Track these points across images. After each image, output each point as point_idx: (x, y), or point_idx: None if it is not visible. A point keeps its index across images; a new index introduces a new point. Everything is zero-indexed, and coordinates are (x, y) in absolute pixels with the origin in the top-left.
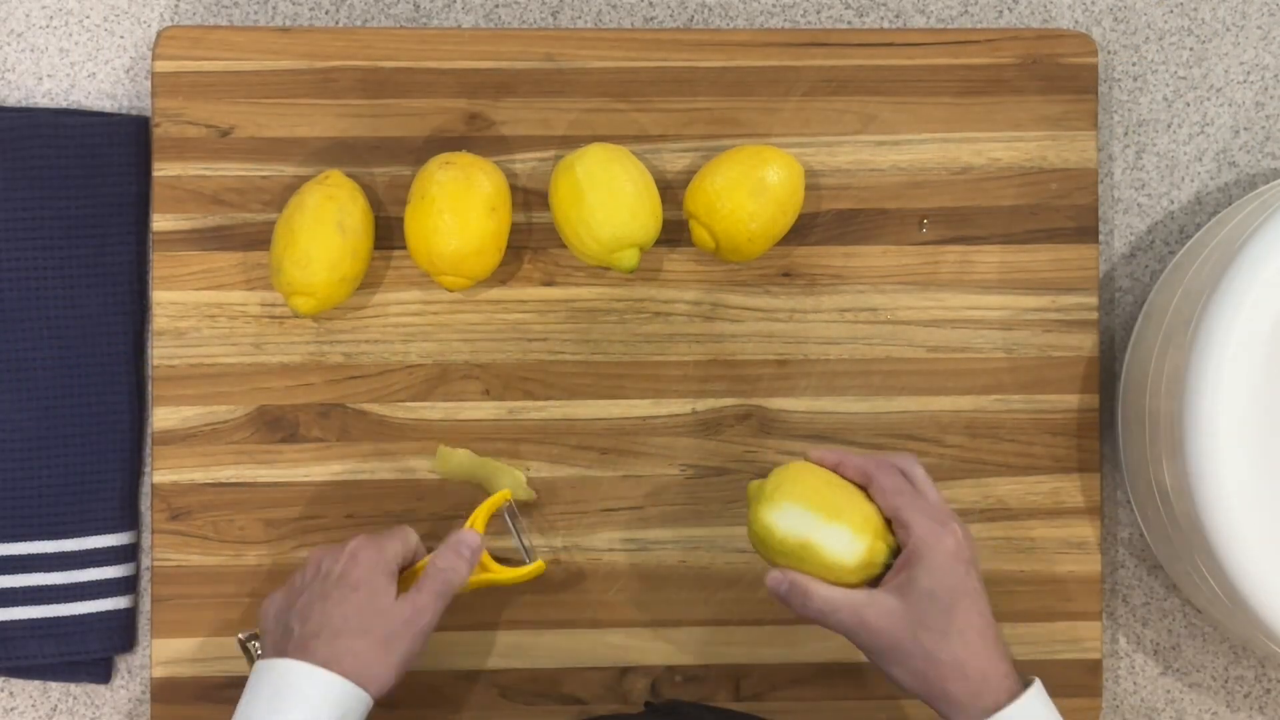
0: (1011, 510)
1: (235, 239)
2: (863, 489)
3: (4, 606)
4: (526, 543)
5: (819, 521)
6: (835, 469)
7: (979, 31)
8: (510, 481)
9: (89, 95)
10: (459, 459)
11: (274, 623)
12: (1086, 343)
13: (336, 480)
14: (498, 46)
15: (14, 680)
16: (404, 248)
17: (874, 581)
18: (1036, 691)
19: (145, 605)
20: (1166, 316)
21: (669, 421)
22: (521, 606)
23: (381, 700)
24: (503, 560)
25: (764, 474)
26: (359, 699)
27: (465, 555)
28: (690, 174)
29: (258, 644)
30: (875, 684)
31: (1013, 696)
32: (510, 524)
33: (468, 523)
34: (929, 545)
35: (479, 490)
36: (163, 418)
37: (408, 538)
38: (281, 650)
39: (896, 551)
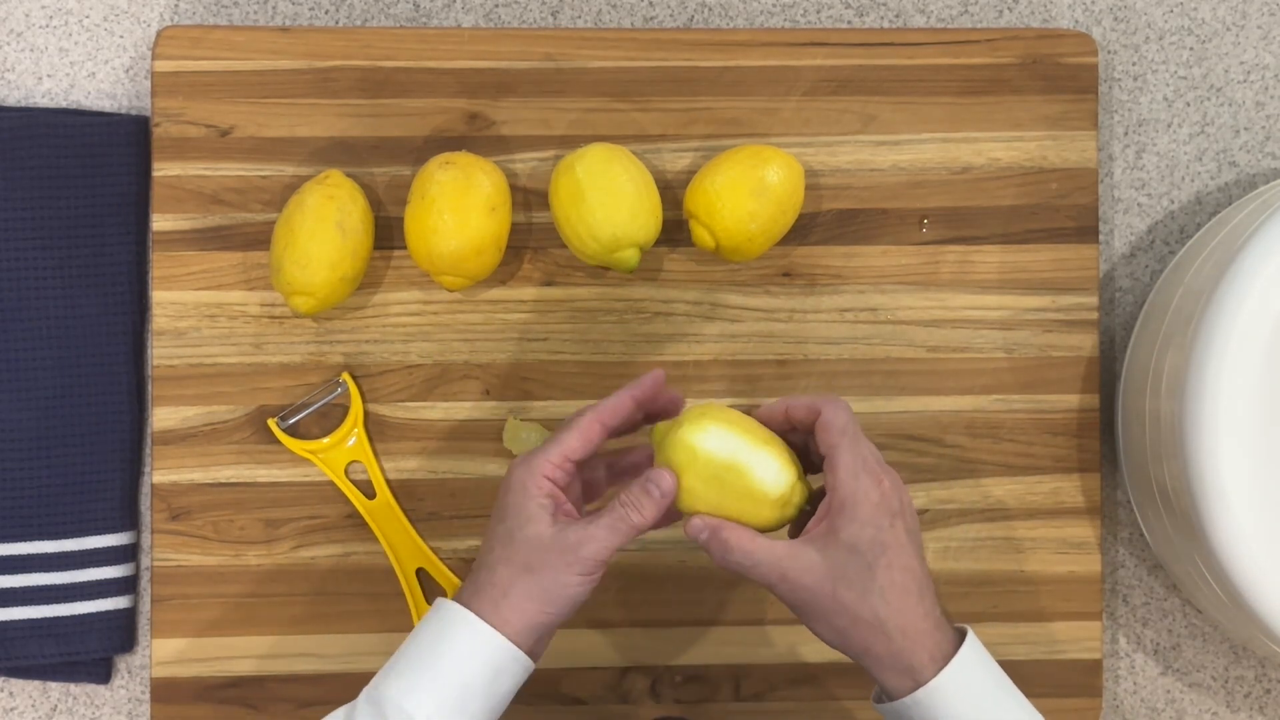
0: (1011, 510)
1: (235, 239)
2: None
3: (4, 606)
4: None
5: (746, 444)
6: (785, 412)
7: (979, 31)
8: None
9: (89, 95)
10: (531, 435)
11: None
12: (1086, 343)
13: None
14: (498, 46)
15: (14, 680)
16: (404, 248)
17: (792, 528)
18: (968, 649)
19: (145, 605)
20: (1166, 316)
21: None
22: None
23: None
24: None
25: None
26: (501, 647)
27: (654, 495)
28: (690, 174)
29: None
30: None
31: (936, 654)
32: None
33: (658, 459)
34: (852, 493)
35: None
36: (163, 418)
37: (568, 437)
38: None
39: (812, 499)
